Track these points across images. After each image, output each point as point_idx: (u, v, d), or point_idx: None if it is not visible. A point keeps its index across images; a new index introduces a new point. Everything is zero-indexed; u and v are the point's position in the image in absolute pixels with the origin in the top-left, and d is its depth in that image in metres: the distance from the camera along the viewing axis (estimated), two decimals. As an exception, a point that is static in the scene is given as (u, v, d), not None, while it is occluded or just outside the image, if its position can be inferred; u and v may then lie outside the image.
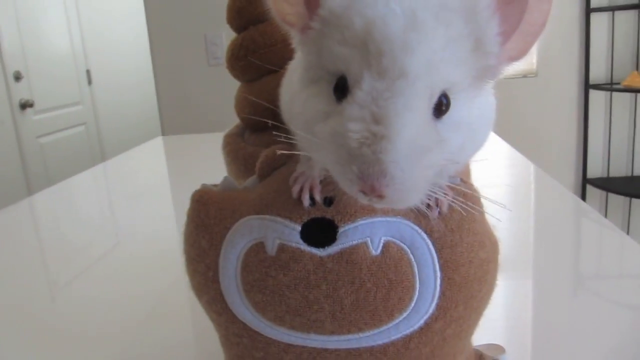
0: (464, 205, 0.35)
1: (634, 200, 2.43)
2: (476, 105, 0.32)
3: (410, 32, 0.27)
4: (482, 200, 0.38)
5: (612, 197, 2.47)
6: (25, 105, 2.65)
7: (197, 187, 0.41)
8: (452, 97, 0.30)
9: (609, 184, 2.42)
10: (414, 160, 0.27)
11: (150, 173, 1.52)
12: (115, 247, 0.91)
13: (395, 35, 0.27)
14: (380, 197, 0.27)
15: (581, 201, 1.04)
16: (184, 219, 0.40)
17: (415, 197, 0.29)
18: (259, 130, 0.53)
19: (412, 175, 0.27)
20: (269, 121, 0.48)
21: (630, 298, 0.64)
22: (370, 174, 0.27)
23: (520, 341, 0.56)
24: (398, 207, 0.30)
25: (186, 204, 0.40)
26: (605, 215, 2.51)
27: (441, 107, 0.29)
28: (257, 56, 0.51)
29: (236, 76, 0.56)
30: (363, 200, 0.28)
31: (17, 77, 2.60)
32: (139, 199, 1.20)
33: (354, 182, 0.27)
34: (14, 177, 2.59)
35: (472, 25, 0.29)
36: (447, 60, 0.28)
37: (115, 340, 0.61)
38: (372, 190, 0.27)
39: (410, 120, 0.27)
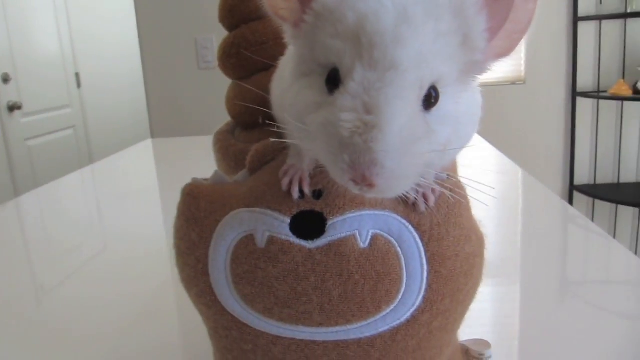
0: (450, 198, 0.36)
1: (620, 207, 2.45)
2: (463, 100, 0.33)
3: (401, 25, 0.28)
4: (469, 195, 0.39)
5: (599, 203, 2.50)
6: (13, 108, 2.64)
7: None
8: (440, 90, 0.30)
9: (596, 191, 2.44)
10: (404, 149, 0.28)
11: (139, 175, 1.52)
12: (102, 250, 0.91)
13: (387, 28, 0.28)
14: (371, 186, 0.28)
15: (569, 206, 1.05)
16: (172, 220, 0.40)
17: (404, 186, 0.29)
18: (250, 127, 0.53)
19: (402, 164, 0.28)
20: (260, 118, 0.48)
21: (617, 304, 0.64)
22: (362, 163, 0.27)
23: (508, 345, 0.57)
24: (387, 196, 0.31)
25: (175, 207, 0.40)
26: (592, 221, 2.53)
27: (430, 99, 0.30)
28: (249, 54, 0.52)
29: (227, 74, 0.56)
30: (354, 189, 0.29)
31: (5, 79, 2.59)
32: (127, 201, 1.19)
33: (345, 171, 0.28)
34: (0, 180, 2.57)
35: (460, 20, 0.30)
36: (437, 53, 0.29)
37: (102, 343, 0.60)
38: (363, 179, 0.27)
39: (401, 110, 0.28)
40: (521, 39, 0.32)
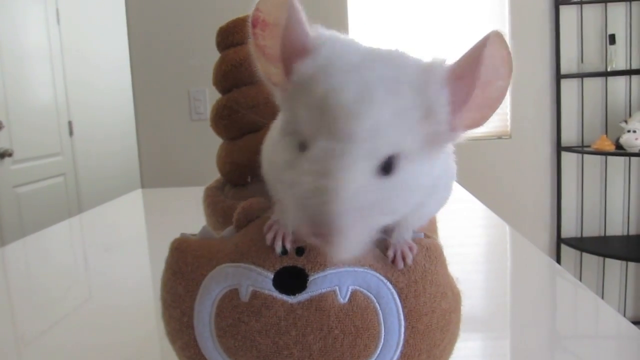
0: (427, 257, 0.37)
1: (607, 260, 2.47)
2: (427, 169, 0.35)
3: (360, 102, 0.31)
4: (445, 254, 0.41)
5: (586, 256, 2.51)
6: (4, 155, 2.64)
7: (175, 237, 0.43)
8: (403, 159, 0.33)
9: (583, 244, 2.46)
10: (355, 212, 0.30)
11: (128, 225, 1.52)
12: (86, 300, 0.90)
13: (347, 104, 0.31)
14: (327, 242, 0.31)
15: (555, 263, 1.06)
16: (159, 272, 0.42)
17: (357, 245, 0.32)
18: (239, 185, 0.55)
19: (354, 225, 0.31)
20: (248, 177, 0.51)
21: (607, 358, 0.65)
22: (317, 223, 0.30)
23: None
24: (344, 255, 0.32)
25: (162, 258, 0.42)
26: (580, 274, 2.54)
27: (389, 168, 0.32)
28: (240, 116, 0.55)
29: (219, 134, 0.58)
30: (316, 241, 0.31)
31: (-2, 127, 2.61)
32: (115, 252, 1.19)
33: (304, 227, 0.31)
34: (-13, 226, 2.56)
35: (422, 96, 0.33)
36: (395, 127, 0.32)
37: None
38: (319, 236, 0.31)
39: (354, 177, 0.31)
40: (492, 112, 0.35)
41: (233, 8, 2.08)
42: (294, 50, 0.35)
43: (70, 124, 3.27)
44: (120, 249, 1.21)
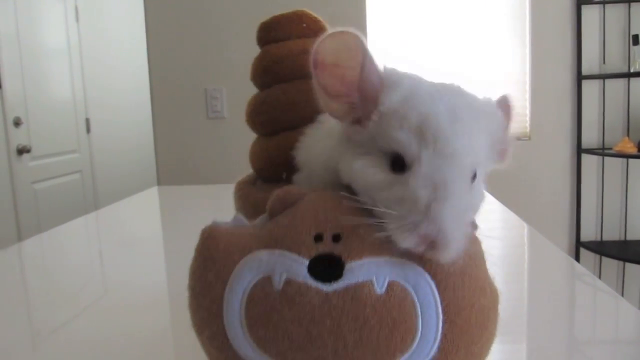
0: (466, 250, 0.36)
1: (628, 264, 2.43)
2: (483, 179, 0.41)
3: (455, 123, 0.36)
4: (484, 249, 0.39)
5: (606, 260, 2.48)
6: (22, 151, 2.67)
7: (190, 237, 0.42)
8: (478, 170, 0.39)
9: (602, 248, 2.43)
10: (462, 217, 0.35)
11: (144, 223, 1.51)
12: (102, 297, 0.89)
13: (446, 125, 0.36)
14: (436, 248, 0.34)
15: (576, 263, 1.04)
16: (174, 269, 0.40)
17: (462, 246, 0.36)
18: (273, 181, 0.54)
19: (461, 229, 0.35)
20: (283, 173, 0.50)
21: None
22: (433, 230, 0.34)
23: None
24: (453, 257, 0.35)
25: (178, 255, 0.40)
26: (600, 278, 2.50)
27: (473, 178, 0.38)
28: (279, 113, 0.55)
29: (254, 129, 0.58)
30: (419, 249, 0.35)
31: (17, 123, 2.63)
32: (130, 249, 1.18)
33: (421, 238, 0.34)
34: (5, 221, 2.57)
35: (489, 121, 0.40)
36: (479, 145, 0.38)
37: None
38: (433, 244, 0.34)
39: (461, 186, 0.36)
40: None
41: (249, 7, 2.08)
42: (371, 86, 0.39)
43: (87, 121, 3.29)
44: (136, 246, 1.20)
